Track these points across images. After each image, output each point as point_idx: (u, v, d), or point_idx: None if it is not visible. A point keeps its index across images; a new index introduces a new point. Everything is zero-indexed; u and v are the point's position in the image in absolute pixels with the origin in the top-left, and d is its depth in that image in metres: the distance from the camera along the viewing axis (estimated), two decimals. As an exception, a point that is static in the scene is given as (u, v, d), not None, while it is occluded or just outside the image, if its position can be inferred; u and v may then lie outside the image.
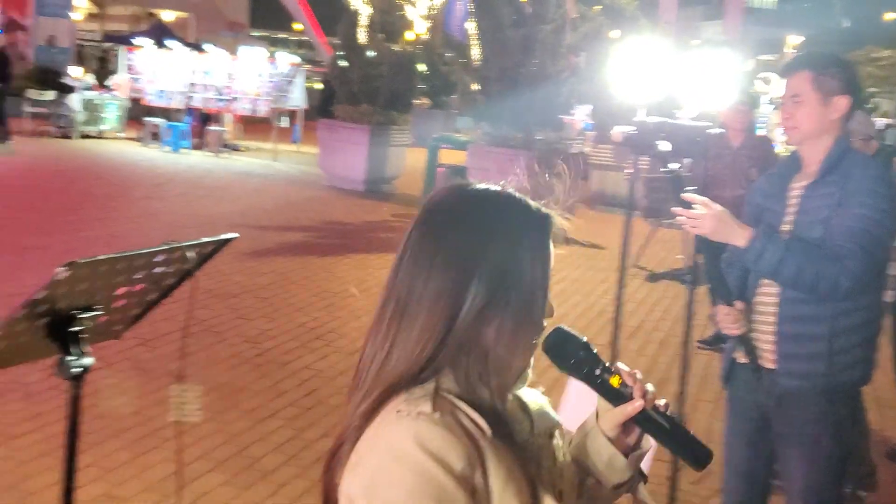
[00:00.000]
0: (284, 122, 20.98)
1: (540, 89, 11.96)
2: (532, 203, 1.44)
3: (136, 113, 21.16)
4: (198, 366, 5.97)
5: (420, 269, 1.34)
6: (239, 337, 6.66)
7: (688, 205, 3.01)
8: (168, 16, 33.83)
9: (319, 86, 25.83)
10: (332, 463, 1.35)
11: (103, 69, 25.76)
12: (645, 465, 1.57)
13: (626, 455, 1.46)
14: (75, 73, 20.96)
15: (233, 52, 20.94)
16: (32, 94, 19.79)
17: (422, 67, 20.91)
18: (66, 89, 19.82)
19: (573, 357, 1.42)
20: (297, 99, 20.26)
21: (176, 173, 15.67)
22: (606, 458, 1.46)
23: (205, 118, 20.09)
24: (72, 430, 2.17)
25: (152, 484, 4.28)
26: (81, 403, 2.20)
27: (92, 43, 31.97)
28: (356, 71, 15.41)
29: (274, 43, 41.47)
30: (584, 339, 1.43)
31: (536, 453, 1.39)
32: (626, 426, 1.45)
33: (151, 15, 33.28)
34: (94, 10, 35.58)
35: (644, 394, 1.41)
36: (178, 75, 20.05)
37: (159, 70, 20.39)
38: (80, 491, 4.11)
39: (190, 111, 19.95)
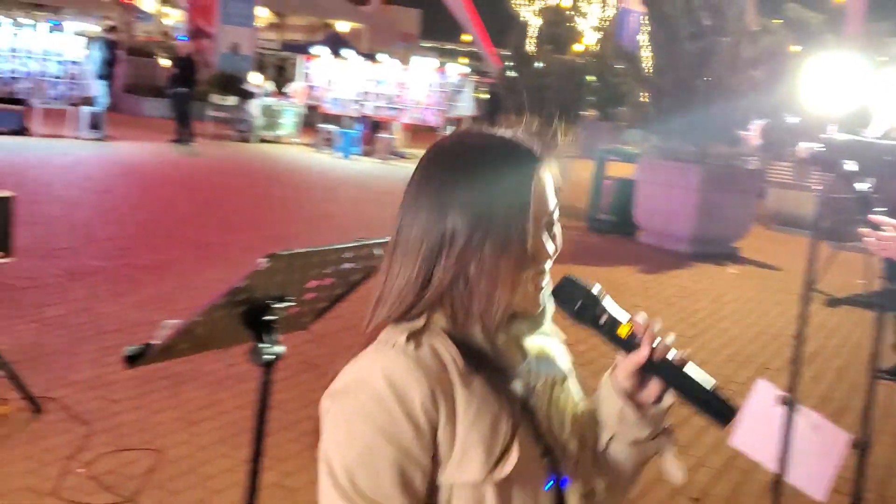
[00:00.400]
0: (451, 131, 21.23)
1: (715, 103, 11.68)
2: (523, 140, 1.41)
3: (311, 119, 21.89)
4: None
5: (409, 207, 1.37)
6: (405, 339, 6.75)
7: (876, 227, 2.87)
8: (343, 26, 34.86)
9: (486, 95, 26.03)
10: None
11: (281, 77, 26.79)
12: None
13: (644, 409, 1.39)
14: (256, 80, 21.85)
15: (404, 62, 21.38)
16: (215, 99, 20.77)
17: (591, 78, 20.76)
18: (247, 95, 20.69)
19: (577, 302, 1.37)
20: (464, 108, 20.49)
21: (347, 178, 16.11)
22: (617, 411, 1.39)
23: (375, 126, 20.58)
24: (260, 415, 2.25)
25: (321, 477, 4.39)
26: (271, 390, 2.26)
27: (271, 51, 33.28)
28: (524, 81, 15.47)
29: (443, 54, 42.06)
30: (594, 287, 1.38)
31: (530, 399, 1.36)
32: (643, 380, 1.38)
33: (328, 25, 34.39)
34: (274, 19, 37.07)
35: (652, 343, 1.34)
36: (352, 84, 20.63)
37: (334, 79, 21.04)
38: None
39: (361, 119, 20.47)
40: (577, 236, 12.37)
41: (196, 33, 26.87)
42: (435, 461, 1.28)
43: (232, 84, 22.60)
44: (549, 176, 1.38)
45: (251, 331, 2.22)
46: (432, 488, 1.29)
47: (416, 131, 22.39)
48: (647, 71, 12.82)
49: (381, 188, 15.32)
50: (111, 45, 18.71)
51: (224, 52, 26.03)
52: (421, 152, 1.48)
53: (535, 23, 15.76)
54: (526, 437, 1.32)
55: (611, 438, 1.41)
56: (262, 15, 32.04)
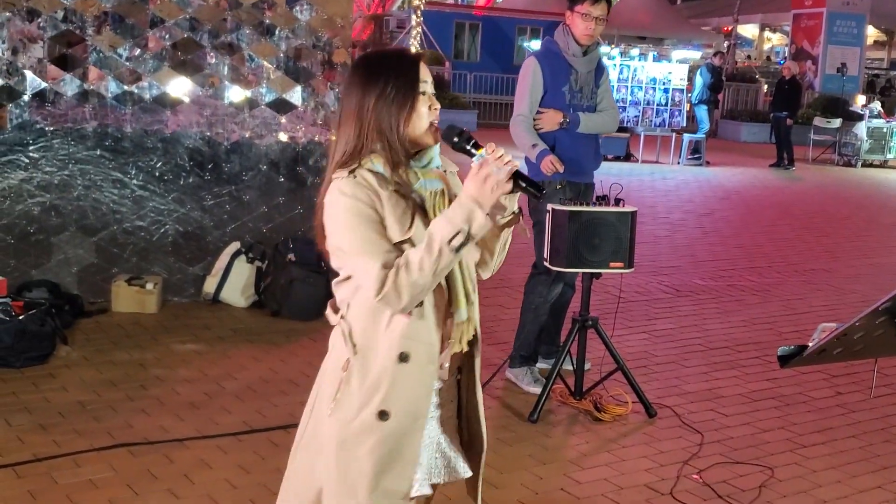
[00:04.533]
0: None
1: None
2: (406, 51, 2.47)
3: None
4: None
5: (345, 94, 2.34)
6: None
7: None
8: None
9: None
10: (318, 222, 2.34)
11: (889, 97, 25.14)
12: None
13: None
14: (862, 101, 20.74)
15: None
16: (818, 122, 20.10)
17: None
18: (853, 117, 19.70)
19: (454, 136, 2.27)
20: None
21: (968, 205, 14.58)
22: None
23: None
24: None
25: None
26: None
27: (879, 70, 31.42)
28: None
29: None
30: (463, 129, 2.28)
31: (421, 200, 2.28)
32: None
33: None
34: (882, 37, 35.00)
35: (494, 157, 2.21)
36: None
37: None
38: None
39: None
40: None
41: (799, 55, 26.35)
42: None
43: (836, 106, 21.73)
44: (425, 70, 2.31)
45: (909, 344, 2.08)
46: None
47: None
48: None
49: None
50: (716, 72, 19.08)
51: (828, 73, 25.16)
52: None
53: None
54: (422, 224, 2.24)
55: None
56: (869, 33, 30.40)
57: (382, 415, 2.26)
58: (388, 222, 2.21)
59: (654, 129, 17.93)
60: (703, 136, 18.25)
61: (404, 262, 2.15)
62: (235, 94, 6.52)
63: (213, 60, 6.43)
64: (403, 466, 2.31)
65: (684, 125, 18.30)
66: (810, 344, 2.03)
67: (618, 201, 4.92)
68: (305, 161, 6.69)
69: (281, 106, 6.62)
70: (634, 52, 21.40)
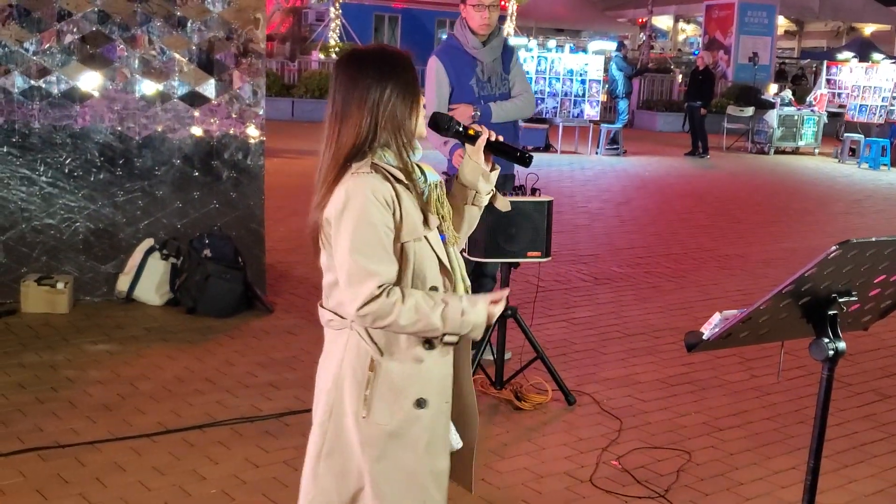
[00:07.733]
0: None
1: None
2: (404, 53, 2.43)
3: (831, 129, 20.74)
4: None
5: (347, 90, 2.33)
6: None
7: None
8: (869, 29, 32.67)
9: None
10: (316, 212, 2.33)
11: (800, 85, 25.78)
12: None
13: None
14: (773, 90, 21.22)
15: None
16: (732, 110, 20.51)
17: None
18: (765, 105, 20.14)
19: (446, 125, 2.52)
20: None
21: (875, 190, 15.00)
22: (480, 173, 2.52)
23: (907, 134, 18.91)
24: (823, 412, 2.12)
25: (857, 497, 4.09)
26: (832, 386, 2.13)
27: (790, 59, 32.18)
28: None
29: None
30: (449, 115, 2.58)
31: (427, 194, 2.39)
32: (485, 156, 2.52)
33: (853, 29, 32.42)
34: (792, 27, 35.86)
35: (486, 132, 2.49)
36: (881, 89, 19.19)
37: (861, 84, 19.73)
38: (787, 490, 4.11)
39: (893, 127, 18.94)
40: None
41: (712, 45, 26.83)
42: (396, 231, 2.28)
43: (749, 95, 22.20)
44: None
45: (813, 324, 2.11)
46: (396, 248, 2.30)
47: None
48: None
49: (915, 200, 14.07)
50: (630, 64, 19.31)
51: (741, 62, 25.67)
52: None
53: None
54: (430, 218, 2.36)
55: (475, 194, 2.53)
56: (779, 23, 31.12)
57: (420, 403, 2.35)
58: (408, 219, 2.28)
59: (572, 120, 18.08)
60: (621, 126, 18.47)
61: (400, 298, 2.23)
62: (147, 87, 6.37)
63: (124, 54, 6.28)
64: (443, 446, 2.44)
65: (597, 118, 18.49)
66: (703, 330, 2.07)
67: (534, 191, 4.95)
68: (220, 155, 6.57)
69: (194, 99, 6.49)
70: (552, 43, 21.55)
